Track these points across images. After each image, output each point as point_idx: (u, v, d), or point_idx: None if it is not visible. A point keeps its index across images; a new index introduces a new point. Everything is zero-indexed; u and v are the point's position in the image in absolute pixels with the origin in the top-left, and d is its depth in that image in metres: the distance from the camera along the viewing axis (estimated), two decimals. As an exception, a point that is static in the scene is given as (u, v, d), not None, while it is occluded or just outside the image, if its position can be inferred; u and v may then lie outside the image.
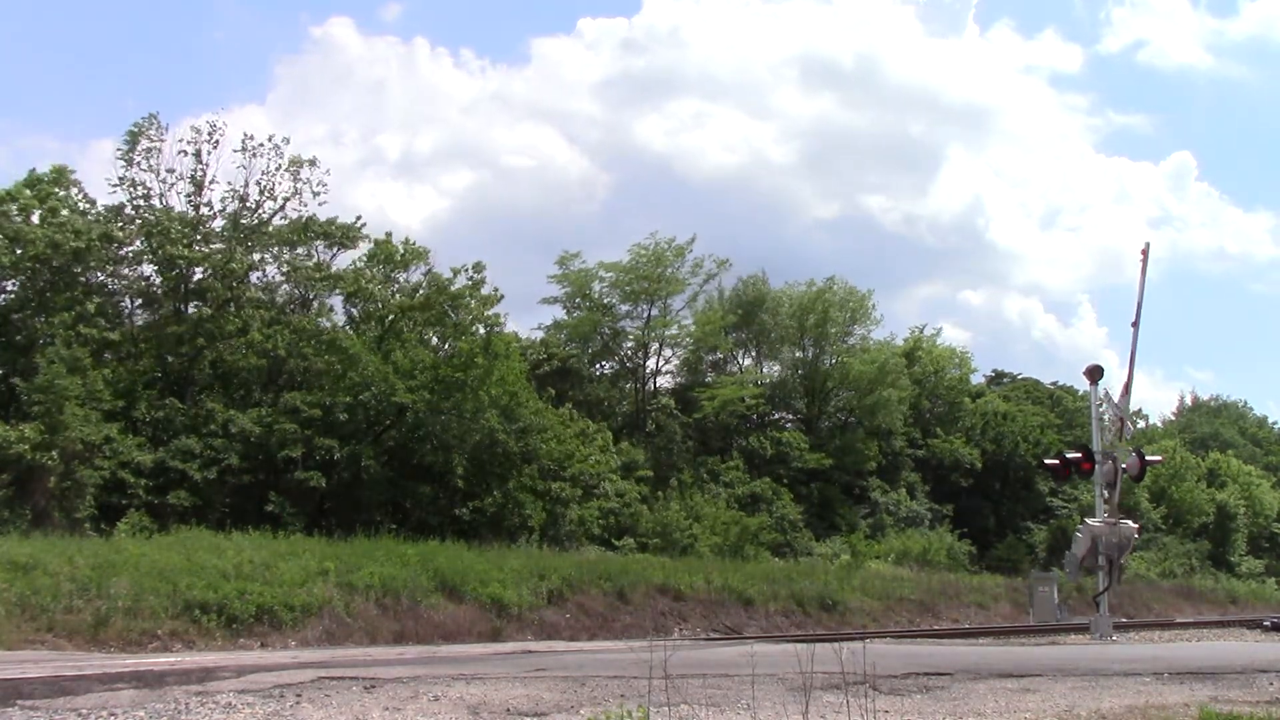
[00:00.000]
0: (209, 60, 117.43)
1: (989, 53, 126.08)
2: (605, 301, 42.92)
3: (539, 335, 43.31)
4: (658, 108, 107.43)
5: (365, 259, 34.74)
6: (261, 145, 31.98)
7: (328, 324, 33.28)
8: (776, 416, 48.32)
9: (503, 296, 34.32)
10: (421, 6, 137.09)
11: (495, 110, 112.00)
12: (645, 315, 43.02)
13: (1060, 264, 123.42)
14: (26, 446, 23.20)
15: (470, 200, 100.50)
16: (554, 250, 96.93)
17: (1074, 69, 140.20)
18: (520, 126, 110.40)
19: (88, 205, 30.18)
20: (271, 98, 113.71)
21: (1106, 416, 22.42)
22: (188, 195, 31.55)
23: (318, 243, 34.04)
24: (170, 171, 31.05)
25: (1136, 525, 23.21)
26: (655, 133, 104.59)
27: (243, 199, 32.41)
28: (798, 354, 48.13)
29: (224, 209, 32.22)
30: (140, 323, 31.16)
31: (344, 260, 34.82)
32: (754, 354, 49.96)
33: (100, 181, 34.11)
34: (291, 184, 32.41)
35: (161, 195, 31.29)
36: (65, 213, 28.65)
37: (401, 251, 34.95)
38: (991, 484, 49.27)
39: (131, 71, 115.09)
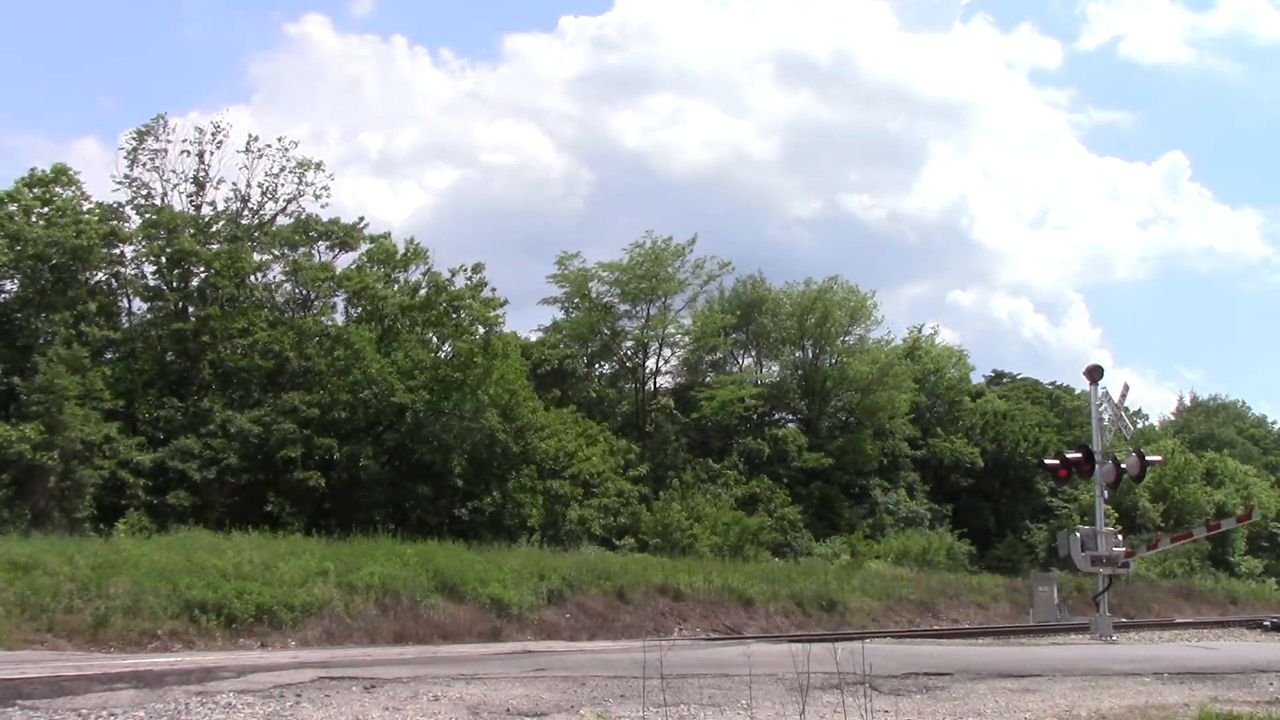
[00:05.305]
0: (181, 58, 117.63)
1: (966, 48, 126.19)
2: (604, 301, 42.88)
3: (536, 335, 43.37)
4: (634, 104, 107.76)
5: (364, 258, 34.82)
6: (269, 146, 32.29)
7: (330, 323, 33.31)
8: (776, 416, 48.26)
9: (506, 301, 34.56)
10: (395, 3, 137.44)
11: (474, 107, 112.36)
12: (644, 315, 42.98)
13: (1048, 263, 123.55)
14: (26, 446, 23.20)
15: (452, 198, 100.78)
16: (537, 247, 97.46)
17: (1053, 65, 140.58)
18: (499, 124, 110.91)
19: (91, 205, 30.27)
20: (257, 98, 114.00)
21: (1106, 416, 22.44)
22: (189, 195, 31.74)
23: (320, 244, 34.19)
24: (174, 172, 31.33)
25: (1131, 567, 23.97)
26: (632, 129, 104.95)
27: (244, 199, 32.59)
28: (797, 354, 48.09)
29: (226, 209, 32.43)
30: (140, 322, 31.16)
31: (344, 260, 34.99)
32: (754, 354, 49.94)
33: (87, 180, 34.05)
34: (295, 186, 32.67)
35: (164, 195, 31.47)
36: (71, 211, 28.67)
37: (401, 251, 35.04)
38: (991, 484, 49.19)
39: (105, 69, 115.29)
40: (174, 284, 30.40)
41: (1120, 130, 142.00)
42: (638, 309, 42.73)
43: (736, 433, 45.23)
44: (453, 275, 34.14)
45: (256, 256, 32.26)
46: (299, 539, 22.64)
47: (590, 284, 42.39)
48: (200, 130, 31.64)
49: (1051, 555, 36.06)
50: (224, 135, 31.65)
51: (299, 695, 9.02)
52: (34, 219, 28.33)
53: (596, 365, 45.09)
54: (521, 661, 12.99)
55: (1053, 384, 63.02)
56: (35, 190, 28.90)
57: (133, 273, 30.91)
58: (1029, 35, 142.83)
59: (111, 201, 30.93)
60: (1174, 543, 33.98)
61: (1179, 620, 30.24)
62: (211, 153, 31.60)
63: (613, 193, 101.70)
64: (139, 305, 31.10)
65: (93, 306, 28.55)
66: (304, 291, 33.89)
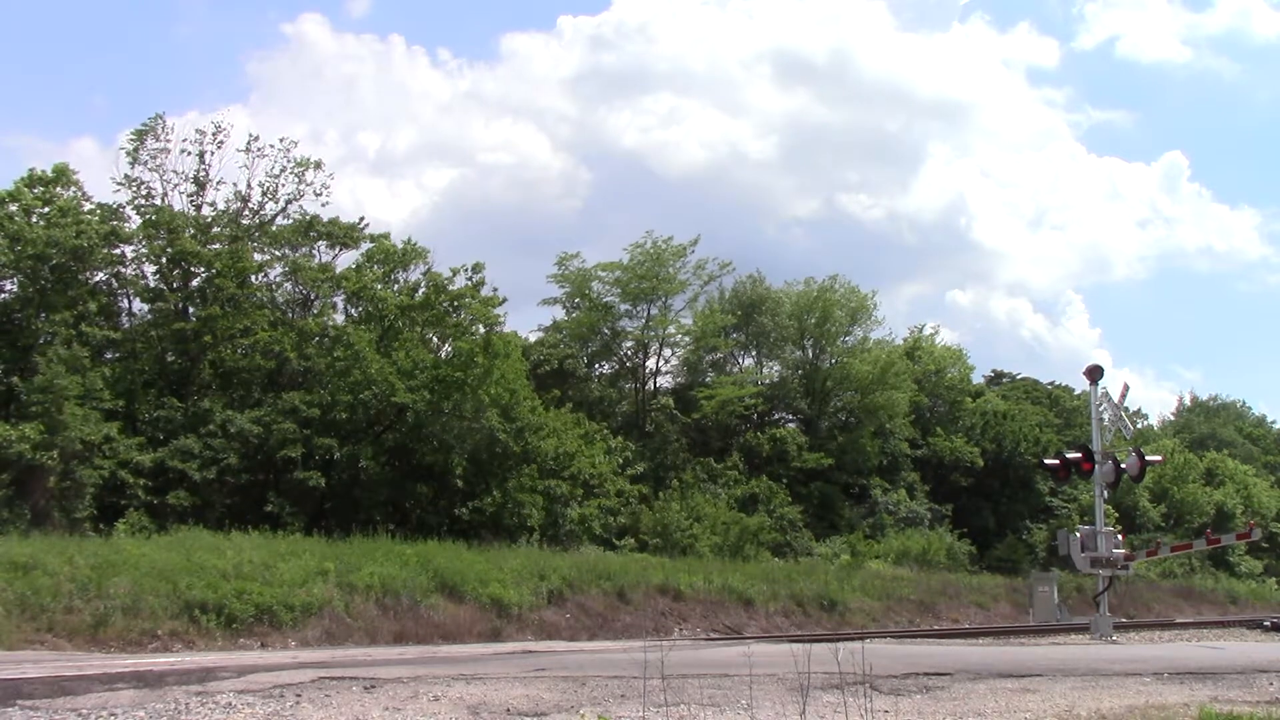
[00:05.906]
0: (178, 58, 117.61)
1: (963, 48, 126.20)
2: (604, 301, 42.87)
3: (536, 335, 43.40)
4: (631, 104, 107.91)
5: (364, 258, 34.82)
6: (271, 146, 32.34)
7: (330, 324, 33.30)
8: (776, 416, 48.24)
9: (505, 299, 34.58)
10: (392, 2, 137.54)
11: (471, 107, 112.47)
12: (645, 315, 42.98)
13: (1047, 263, 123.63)
14: (26, 446, 23.19)
15: (450, 197, 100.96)
16: (535, 246, 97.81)
17: (1051, 64, 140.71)
18: (496, 123, 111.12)
19: (91, 205, 30.27)
20: (254, 98, 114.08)
21: (1106, 416, 22.45)
22: (190, 195, 31.75)
23: (320, 243, 34.20)
24: (176, 172, 31.37)
25: (1131, 569, 24.64)
26: (630, 129, 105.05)
27: (244, 199, 32.58)
28: (798, 354, 48.07)
29: (227, 209, 32.41)
30: (141, 322, 31.15)
31: (344, 260, 34.99)
32: (754, 354, 49.92)
33: (85, 180, 34.05)
34: (296, 186, 32.67)
35: (164, 195, 31.47)
36: (71, 211, 28.67)
37: (401, 250, 35.03)
38: (991, 484, 49.18)
39: (101, 69, 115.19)
40: (174, 284, 30.39)
41: (1118, 130, 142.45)
42: (638, 309, 42.77)
43: (736, 432, 45.22)
44: (453, 275, 34.19)
45: (257, 257, 32.25)
46: (299, 539, 22.63)
47: (590, 284, 42.41)
48: (201, 131, 31.71)
49: (1051, 555, 36.06)
50: (224, 135, 31.72)
51: (299, 695, 9.02)
52: (34, 219, 28.31)
53: (596, 365, 45.11)
54: (522, 661, 12.99)
55: (1052, 384, 63.06)
56: (36, 190, 28.90)
57: (133, 273, 30.91)
58: (1026, 34, 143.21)
59: (111, 201, 30.96)
60: (1174, 552, 34.75)
61: (1179, 620, 30.26)
62: (212, 153, 31.66)
63: (610, 192, 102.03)
64: (139, 305, 31.11)
65: (93, 306, 28.53)
66: (304, 291, 33.89)
